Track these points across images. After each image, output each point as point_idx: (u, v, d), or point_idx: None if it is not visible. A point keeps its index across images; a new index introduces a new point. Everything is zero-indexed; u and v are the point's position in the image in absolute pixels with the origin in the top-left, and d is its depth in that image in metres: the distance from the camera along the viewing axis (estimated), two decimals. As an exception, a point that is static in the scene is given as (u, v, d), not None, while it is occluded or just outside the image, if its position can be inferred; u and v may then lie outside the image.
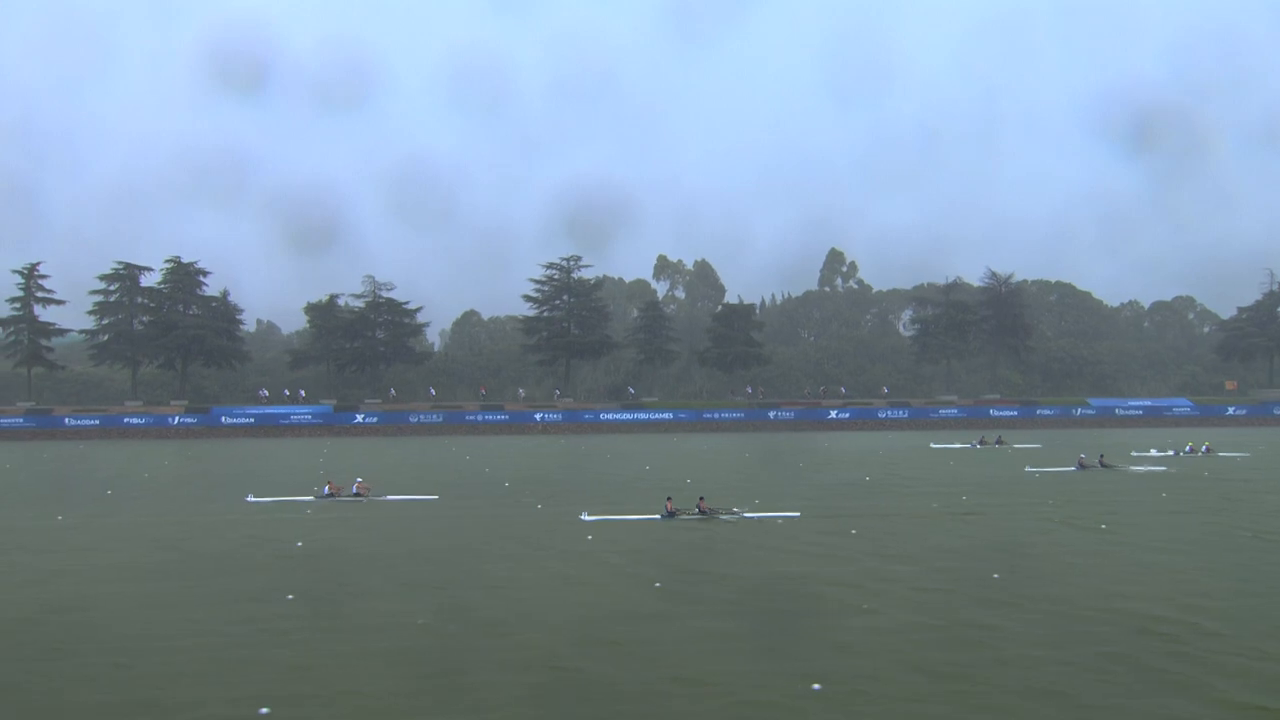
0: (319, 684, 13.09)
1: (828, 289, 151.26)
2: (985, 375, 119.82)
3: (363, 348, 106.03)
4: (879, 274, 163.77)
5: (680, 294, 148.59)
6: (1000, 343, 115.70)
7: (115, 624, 16.42)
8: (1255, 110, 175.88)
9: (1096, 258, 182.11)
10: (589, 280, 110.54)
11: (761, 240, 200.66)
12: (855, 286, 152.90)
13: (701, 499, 29.61)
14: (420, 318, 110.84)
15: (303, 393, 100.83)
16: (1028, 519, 27.88)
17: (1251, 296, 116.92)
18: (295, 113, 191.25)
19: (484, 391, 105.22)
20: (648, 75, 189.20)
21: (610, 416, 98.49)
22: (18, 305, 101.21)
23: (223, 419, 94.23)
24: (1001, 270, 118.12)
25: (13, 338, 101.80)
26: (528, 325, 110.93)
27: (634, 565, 21.18)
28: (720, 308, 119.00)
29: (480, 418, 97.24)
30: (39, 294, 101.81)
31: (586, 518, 28.46)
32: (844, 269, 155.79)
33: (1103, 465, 45.11)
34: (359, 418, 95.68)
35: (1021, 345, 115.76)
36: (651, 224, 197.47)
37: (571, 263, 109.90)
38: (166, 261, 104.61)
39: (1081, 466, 44.86)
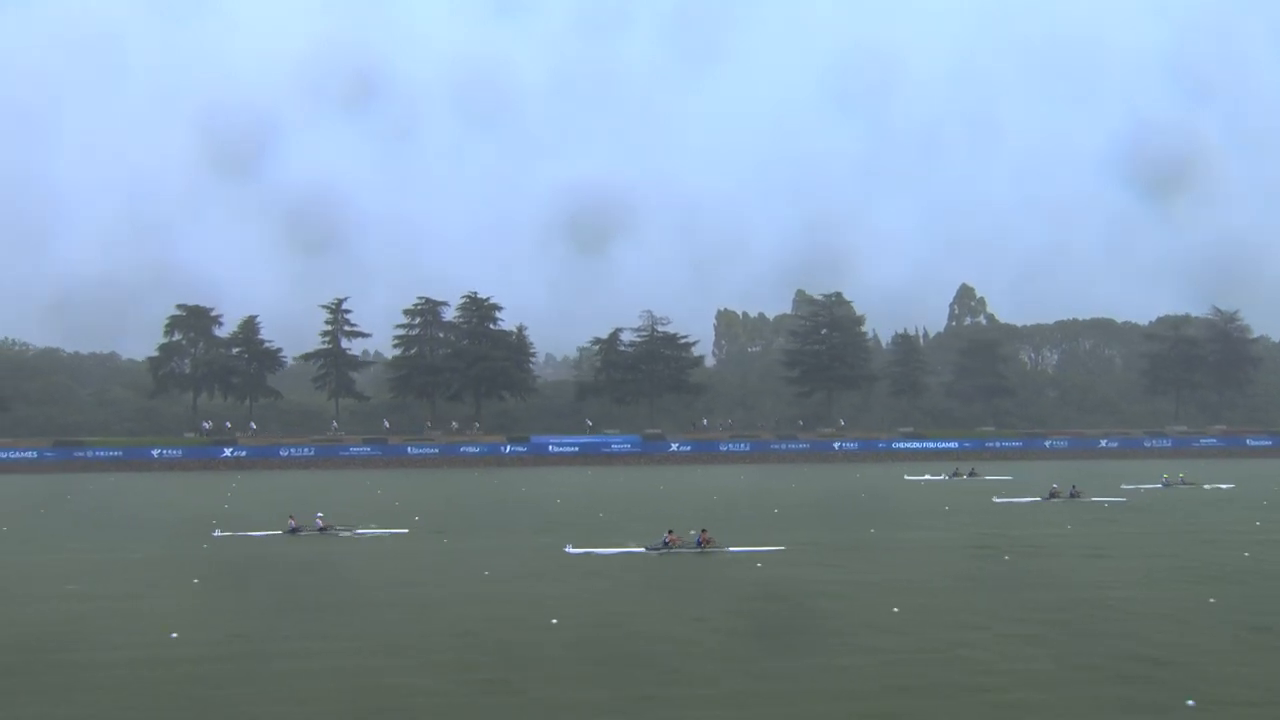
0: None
1: (953, 324, 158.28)
2: (1144, 408, 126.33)
3: (641, 379, 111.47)
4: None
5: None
6: (1224, 377, 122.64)
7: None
8: (1253, 115, 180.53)
9: (1096, 263, 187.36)
10: (851, 316, 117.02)
11: (760, 243, 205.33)
12: (984, 322, 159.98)
13: (704, 530, 29.10)
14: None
15: (590, 424, 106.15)
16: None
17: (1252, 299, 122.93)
18: (294, 113, 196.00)
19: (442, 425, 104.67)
20: (649, 78, 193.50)
21: (901, 445, 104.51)
22: (327, 339, 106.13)
23: (549, 448, 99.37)
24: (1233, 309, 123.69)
25: (322, 370, 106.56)
26: (789, 358, 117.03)
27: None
28: (962, 340, 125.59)
29: (784, 447, 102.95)
30: (346, 328, 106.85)
31: (571, 550, 28.38)
32: (973, 304, 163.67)
33: (1073, 495, 46.47)
34: (673, 446, 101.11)
35: (1245, 379, 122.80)
36: (651, 227, 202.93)
37: (833, 299, 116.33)
38: (463, 296, 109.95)
39: (1052, 496, 46.55)
